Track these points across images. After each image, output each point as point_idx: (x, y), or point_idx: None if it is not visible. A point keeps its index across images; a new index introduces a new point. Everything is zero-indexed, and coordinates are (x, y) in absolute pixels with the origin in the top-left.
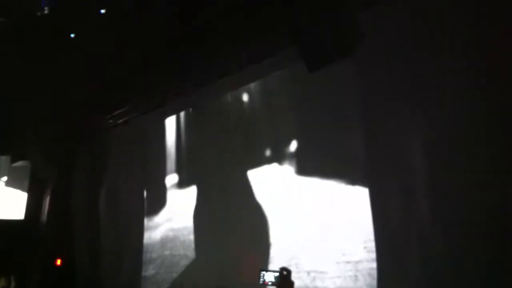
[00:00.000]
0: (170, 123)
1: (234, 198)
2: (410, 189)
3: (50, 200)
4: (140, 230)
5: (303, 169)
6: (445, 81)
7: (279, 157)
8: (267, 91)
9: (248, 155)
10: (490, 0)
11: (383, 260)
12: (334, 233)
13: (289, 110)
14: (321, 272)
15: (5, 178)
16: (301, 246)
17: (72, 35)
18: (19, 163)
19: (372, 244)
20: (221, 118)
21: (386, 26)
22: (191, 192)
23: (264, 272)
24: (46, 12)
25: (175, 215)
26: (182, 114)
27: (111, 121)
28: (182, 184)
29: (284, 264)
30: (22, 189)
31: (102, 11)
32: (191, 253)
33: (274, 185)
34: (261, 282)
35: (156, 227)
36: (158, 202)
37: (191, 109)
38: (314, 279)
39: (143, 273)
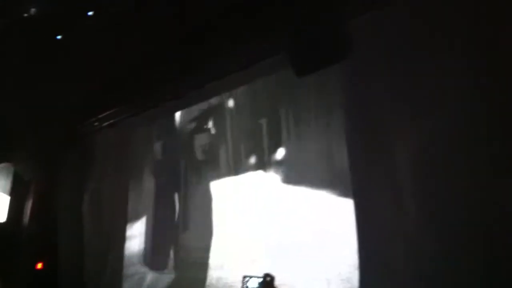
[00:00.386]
0: (157, 126)
1: (217, 206)
2: (397, 193)
3: (33, 203)
4: (123, 235)
5: (288, 177)
6: (435, 82)
7: (264, 164)
8: (252, 95)
9: (233, 161)
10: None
11: (367, 266)
12: (317, 242)
13: (274, 114)
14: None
15: None
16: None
17: (59, 37)
18: (1, 165)
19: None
20: (205, 122)
21: (373, 33)
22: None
23: (248, 278)
24: (33, 13)
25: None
26: (167, 118)
27: (96, 123)
28: (165, 189)
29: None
30: (4, 191)
31: (90, 13)
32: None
33: (258, 193)
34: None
35: (138, 232)
36: (141, 207)
37: (175, 113)
38: None
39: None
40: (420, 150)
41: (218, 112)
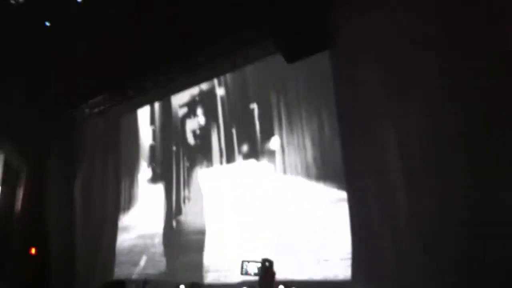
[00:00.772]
0: (145, 114)
1: (208, 195)
2: (388, 191)
3: (24, 191)
4: (115, 221)
5: (280, 167)
6: (425, 72)
7: (256, 154)
8: (242, 83)
9: (225, 151)
10: None
11: (358, 262)
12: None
13: (266, 105)
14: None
15: None
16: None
17: (48, 24)
18: None
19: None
20: (195, 111)
21: (365, 23)
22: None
23: (246, 263)
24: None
25: (148, 211)
26: (156, 105)
27: (86, 110)
28: (155, 179)
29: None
30: None
31: (79, 0)
32: (162, 245)
33: (250, 183)
34: (243, 273)
35: (128, 222)
36: (131, 196)
37: (163, 101)
38: None
39: (116, 263)
40: (409, 137)
41: (209, 98)
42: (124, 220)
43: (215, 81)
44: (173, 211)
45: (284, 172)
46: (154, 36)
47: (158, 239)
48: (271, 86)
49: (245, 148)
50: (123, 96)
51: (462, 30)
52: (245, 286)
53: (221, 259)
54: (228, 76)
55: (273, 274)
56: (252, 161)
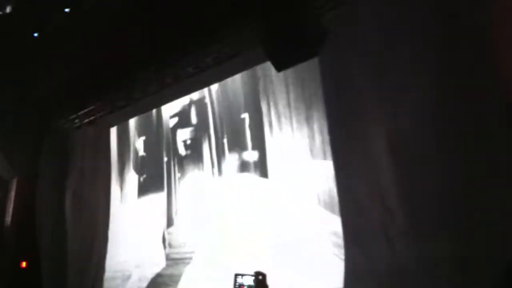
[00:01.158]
0: (136, 124)
1: (199, 206)
2: (379, 189)
3: (14, 201)
4: (105, 232)
5: (267, 174)
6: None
7: (248, 163)
8: (233, 92)
9: (216, 161)
10: None
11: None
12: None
13: (255, 112)
14: None
15: None
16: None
17: (36, 35)
18: None
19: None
20: (186, 120)
21: (353, 23)
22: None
23: (240, 276)
24: (8, 10)
25: (139, 223)
26: (147, 115)
27: (76, 121)
28: (146, 190)
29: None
30: None
31: (66, 9)
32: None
33: (242, 192)
34: (236, 286)
35: (119, 234)
36: (121, 207)
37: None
38: None
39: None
40: (396, 138)
41: (199, 107)
42: (115, 232)
43: (206, 90)
44: (164, 222)
45: (275, 180)
46: (143, 46)
47: (149, 252)
48: (261, 94)
49: (236, 157)
50: (113, 106)
51: (452, 29)
52: None
53: (214, 272)
54: (218, 85)
55: (266, 287)
56: (243, 170)
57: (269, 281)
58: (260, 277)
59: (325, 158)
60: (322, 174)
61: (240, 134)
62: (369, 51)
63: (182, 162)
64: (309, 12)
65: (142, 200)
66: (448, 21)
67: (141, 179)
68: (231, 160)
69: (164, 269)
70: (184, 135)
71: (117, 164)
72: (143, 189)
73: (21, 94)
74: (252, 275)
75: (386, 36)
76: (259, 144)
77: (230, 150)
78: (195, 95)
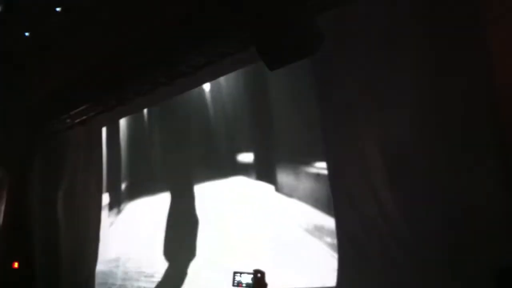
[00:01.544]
0: (128, 124)
1: (195, 210)
2: (372, 190)
3: (6, 201)
4: (96, 233)
5: (263, 177)
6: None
7: (238, 163)
8: (224, 90)
9: (205, 161)
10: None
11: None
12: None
13: (249, 113)
14: None
15: None
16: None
17: (27, 34)
18: None
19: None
20: (178, 120)
21: (345, 26)
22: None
23: (238, 274)
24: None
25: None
26: (139, 115)
27: (68, 120)
28: (138, 192)
29: None
30: None
31: (58, 9)
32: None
33: (234, 194)
34: (235, 284)
35: (111, 236)
36: (114, 208)
37: (145, 110)
38: None
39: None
40: (387, 137)
41: (196, 106)
42: (107, 234)
43: (199, 90)
44: (160, 222)
45: (274, 182)
46: (135, 45)
47: (140, 255)
48: (255, 94)
49: (232, 160)
50: (105, 105)
51: (443, 31)
52: None
53: (212, 271)
54: (211, 84)
55: (265, 285)
56: (242, 171)
57: (268, 280)
58: (259, 275)
59: (321, 159)
60: (319, 175)
61: (239, 135)
62: (361, 53)
63: (175, 164)
64: (302, 12)
65: (135, 204)
66: (441, 24)
67: (133, 181)
68: (229, 160)
69: (157, 271)
70: (178, 136)
71: (110, 165)
72: (135, 192)
73: (13, 95)
74: (250, 273)
75: (379, 39)
76: (257, 145)
77: (227, 150)
78: (190, 94)
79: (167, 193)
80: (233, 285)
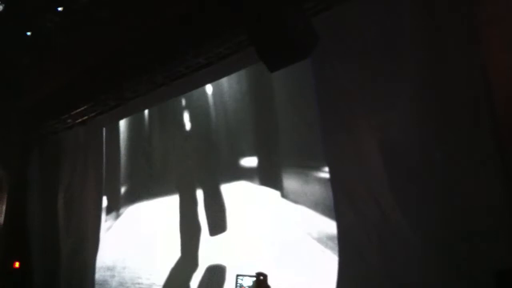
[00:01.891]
0: (128, 126)
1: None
2: (373, 192)
3: (7, 203)
4: (96, 235)
5: (268, 182)
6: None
7: (241, 167)
8: (226, 92)
9: (207, 163)
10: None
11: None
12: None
13: (252, 116)
14: None
15: None
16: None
17: (28, 33)
18: None
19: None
20: (179, 120)
21: (344, 27)
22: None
23: (241, 277)
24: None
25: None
26: (140, 117)
27: (69, 120)
28: (137, 195)
29: None
30: None
31: (59, 8)
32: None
33: (237, 199)
34: (238, 286)
35: (110, 233)
36: (113, 209)
37: (146, 113)
38: None
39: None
40: (387, 138)
41: (195, 109)
42: (103, 240)
43: (201, 92)
44: (156, 232)
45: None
46: (133, 45)
47: (138, 263)
48: (258, 96)
49: (234, 164)
50: (104, 106)
51: (442, 32)
52: None
53: (215, 273)
54: (213, 86)
55: (267, 287)
56: (244, 175)
57: (270, 282)
58: (261, 277)
59: (322, 161)
60: (320, 178)
61: (241, 138)
62: (359, 55)
63: (175, 167)
64: (300, 14)
65: (135, 207)
66: (440, 25)
67: (134, 182)
68: (231, 165)
69: (155, 272)
70: (178, 139)
71: (110, 167)
72: (136, 193)
73: (13, 94)
74: (253, 276)
75: (378, 39)
76: (261, 149)
77: (229, 154)
78: (192, 96)
79: (167, 198)
80: None
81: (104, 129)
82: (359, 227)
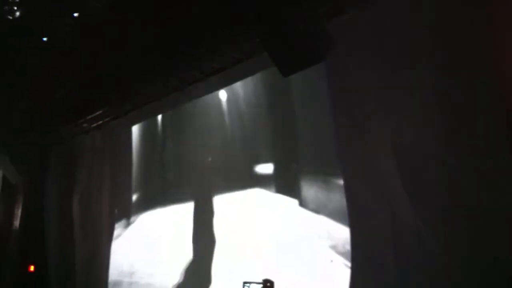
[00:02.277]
0: (142, 132)
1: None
2: (387, 198)
3: (23, 206)
4: (109, 241)
5: (284, 190)
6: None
7: (257, 174)
8: (241, 97)
9: (223, 169)
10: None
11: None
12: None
13: (268, 122)
14: None
15: None
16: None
17: (45, 39)
18: None
19: None
20: (193, 126)
21: (357, 31)
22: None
23: (248, 285)
24: (17, 15)
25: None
26: (153, 123)
27: (85, 125)
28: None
29: None
30: None
31: (75, 14)
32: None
33: (252, 207)
34: None
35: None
36: (127, 215)
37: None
38: None
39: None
40: (400, 141)
41: (210, 114)
42: (119, 242)
43: (215, 96)
44: (170, 235)
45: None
46: (148, 49)
47: (154, 263)
48: (275, 101)
49: (249, 171)
50: (120, 110)
51: (456, 35)
52: None
53: (222, 281)
54: (227, 90)
55: None
56: (258, 185)
57: None
58: (268, 284)
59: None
60: (332, 184)
61: (257, 144)
62: (374, 58)
63: (188, 173)
64: (313, 18)
65: (147, 211)
66: (454, 32)
67: (146, 189)
68: (246, 172)
69: (168, 279)
70: (190, 144)
71: (124, 173)
72: (148, 200)
73: (30, 98)
74: (260, 283)
75: (391, 43)
76: (277, 155)
77: (244, 161)
78: (207, 101)
79: (180, 206)
80: None
81: (118, 134)
82: (372, 234)
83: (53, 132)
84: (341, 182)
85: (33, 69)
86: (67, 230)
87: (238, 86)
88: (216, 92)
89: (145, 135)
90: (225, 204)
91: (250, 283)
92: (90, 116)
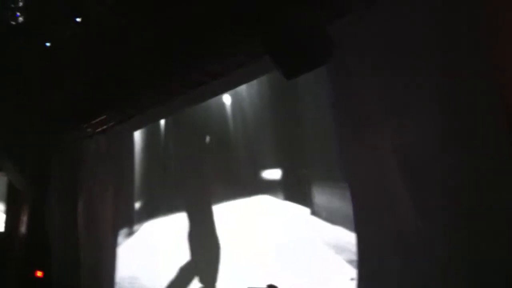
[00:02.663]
0: (144, 137)
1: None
2: (391, 200)
3: (28, 212)
4: (114, 244)
5: (294, 197)
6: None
7: (257, 178)
8: (246, 100)
9: (224, 174)
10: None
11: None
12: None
13: (274, 125)
14: None
15: None
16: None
17: (48, 44)
18: None
19: None
20: (196, 131)
21: (359, 34)
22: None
23: None
24: (20, 20)
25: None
26: (155, 128)
27: (89, 130)
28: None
29: None
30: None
31: (78, 19)
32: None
33: (257, 215)
34: None
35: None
36: (130, 222)
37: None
38: None
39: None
40: (403, 145)
41: (213, 119)
42: (123, 250)
43: (218, 100)
44: (172, 243)
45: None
46: (149, 50)
47: (157, 271)
48: (281, 104)
49: (255, 177)
50: (123, 114)
51: (457, 35)
52: None
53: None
54: (231, 94)
55: None
56: (265, 192)
57: None
58: None
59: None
60: (339, 190)
61: (262, 149)
62: (374, 63)
63: (192, 178)
64: (315, 20)
65: (149, 220)
66: (455, 33)
67: (148, 196)
68: (252, 178)
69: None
70: (194, 149)
71: (128, 178)
72: (150, 208)
73: (32, 102)
74: None
75: (393, 45)
76: (285, 161)
77: (240, 169)
78: (211, 105)
79: (183, 214)
80: None
81: (121, 139)
82: (378, 240)
83: (57, 137)
84: (346, 186)
85: (36, 74)
86: (71, 238)
87: (242, 88)
88: (220, 95)
89: (147, 140)
90: (229, 211)
91: None
92: (93, 121)
